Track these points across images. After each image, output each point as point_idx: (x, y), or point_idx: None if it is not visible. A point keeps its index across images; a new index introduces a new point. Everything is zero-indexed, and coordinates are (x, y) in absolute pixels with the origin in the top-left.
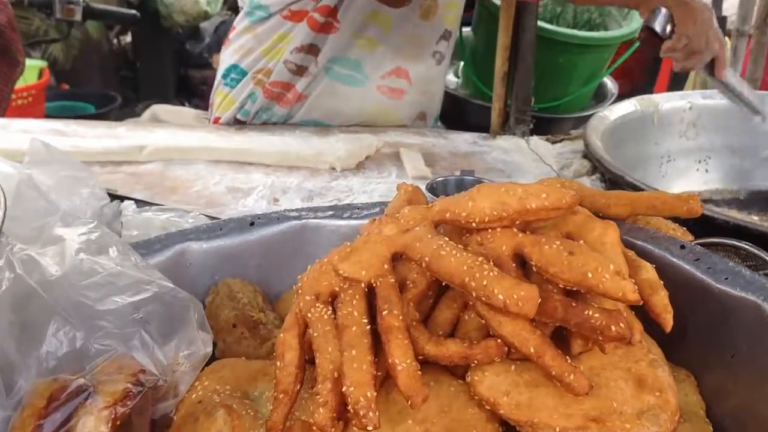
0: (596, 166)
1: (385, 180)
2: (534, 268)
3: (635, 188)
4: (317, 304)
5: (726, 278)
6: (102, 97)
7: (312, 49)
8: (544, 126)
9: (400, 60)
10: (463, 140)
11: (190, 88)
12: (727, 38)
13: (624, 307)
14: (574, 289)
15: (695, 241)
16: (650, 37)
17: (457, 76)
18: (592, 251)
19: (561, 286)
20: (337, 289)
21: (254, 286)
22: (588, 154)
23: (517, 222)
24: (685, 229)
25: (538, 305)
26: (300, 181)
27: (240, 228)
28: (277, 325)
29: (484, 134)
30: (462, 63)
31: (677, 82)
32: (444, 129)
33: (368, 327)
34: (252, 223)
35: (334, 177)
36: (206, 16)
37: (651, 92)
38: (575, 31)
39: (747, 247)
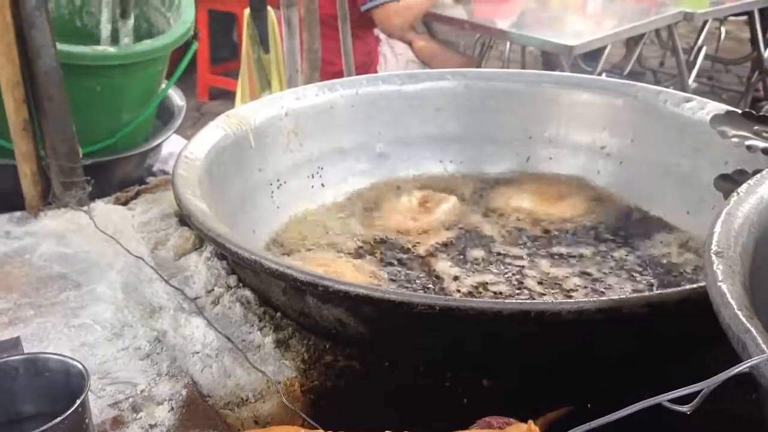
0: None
1: None
2: None
3: (289, 278)
4: None
5: None
6: None
7: None
8: (102, 176)
9: None
10: None
11: None
12: (270, 8)
13: None
14: None
15: None
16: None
17: None
18: None
19: None
20: None
21: None
22: (191, 225)
23: None
24: None
25: None
26: None
27: None
28: None
29: (19, 213)
30: None
31: None
32: None
33: None
34: None
35: None
36: None
37: None
38: (109, 49)
39: None
